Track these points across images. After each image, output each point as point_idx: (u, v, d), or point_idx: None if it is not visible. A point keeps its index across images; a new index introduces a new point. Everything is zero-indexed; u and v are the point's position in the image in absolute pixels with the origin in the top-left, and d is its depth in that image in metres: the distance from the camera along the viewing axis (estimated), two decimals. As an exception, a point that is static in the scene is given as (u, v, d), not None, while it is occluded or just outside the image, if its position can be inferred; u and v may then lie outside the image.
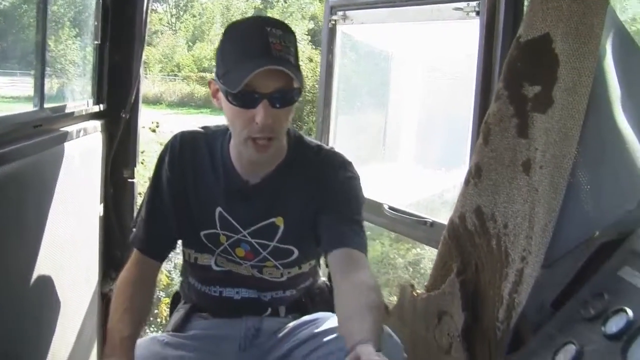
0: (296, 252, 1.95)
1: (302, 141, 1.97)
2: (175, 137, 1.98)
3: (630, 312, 1.51)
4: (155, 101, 23.86)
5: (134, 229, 2.03)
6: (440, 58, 3.15)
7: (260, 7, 33.20)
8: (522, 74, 1.88)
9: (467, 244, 2.08)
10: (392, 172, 3.66)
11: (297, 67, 1.76)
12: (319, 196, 1.90)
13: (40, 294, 2.08)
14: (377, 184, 3.18)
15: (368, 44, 3.64)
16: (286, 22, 1.92)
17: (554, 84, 1.78)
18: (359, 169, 2.00)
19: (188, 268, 2.08)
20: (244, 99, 1.73)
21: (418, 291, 2.30)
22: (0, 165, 1.79)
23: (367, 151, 3.86)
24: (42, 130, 2.20)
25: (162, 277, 6.05)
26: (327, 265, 1.96)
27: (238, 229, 1.92)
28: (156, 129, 8.21)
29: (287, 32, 1.76)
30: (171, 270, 6.52)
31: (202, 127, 2.01)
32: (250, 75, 1.67)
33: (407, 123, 3.57)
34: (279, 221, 1.91)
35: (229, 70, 1.74)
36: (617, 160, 1.73)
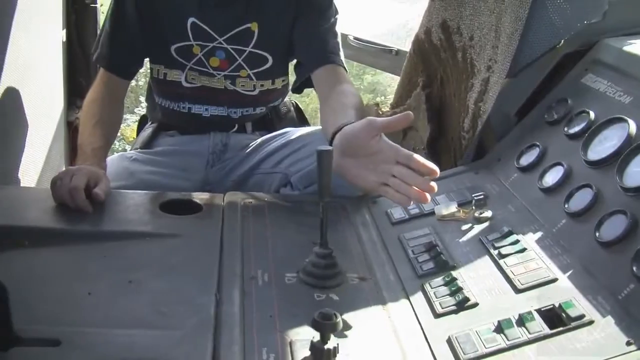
0: (270, 60, 1.95)
1: None
2: None
3: (592, 113, 1.55)
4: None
5: (98, 49, 2.00)
6: None
7: None
8: None
9: (433, 58, 2.08)
10: (357, 6, 3.62)
11: None
12: (297, 4, 1.91)
13: (4, 118, 2.05)
14: (343, 17, 3.15)
15: None
16: None
17: None
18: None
19: (156, 86, 2.06)
20: None
21: (383, 109, 2.32)
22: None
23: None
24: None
25: (128, 131, 5.99)
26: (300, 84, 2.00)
27: (213, 37, 1.90)
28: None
29: None
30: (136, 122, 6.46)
31: None
32: None
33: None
34: (254, 26, 1.91)
35: None
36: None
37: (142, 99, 5.61)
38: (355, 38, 2.98)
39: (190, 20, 1.89)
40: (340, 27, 2.93)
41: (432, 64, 2.09)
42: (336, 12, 1.97)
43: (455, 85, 1.96)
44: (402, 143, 2.15)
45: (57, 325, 1.13)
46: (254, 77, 1.97)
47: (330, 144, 1.51)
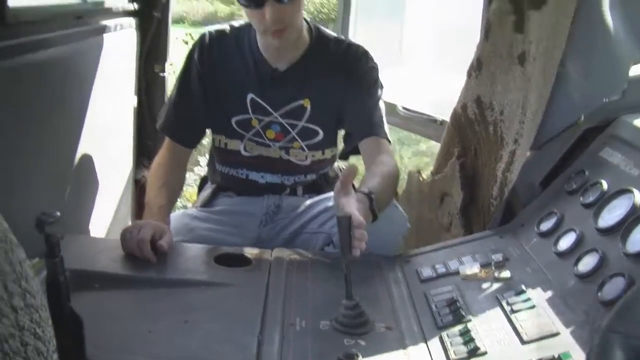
0: (321, 133, 2.15)
1: (321, 32, 2.15)
2: (203, 35, 2.16)
3: (605, 184, 1.71)
4: (178, 19, 23.49)
5: (162, 118, 2.21)
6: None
7: None
8: (520, -25, 2.02)
9: (468, 131, 2.27)
10: (408, 76, 3.81)
11: None
12: (346, 83, 2.10)
13: (80, 171, 2.30)
14: (393, 87, 3.35)
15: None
16: None
17: (548, -17, 1.93)
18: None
19: (217, 153, 2.27)
20: (252, 0, 1.92)
21: (424, 176, 2.50)
22: (47, 48, 1.98)
23: (384, 57, 4.00)
24: (83, 22, 2.39)
25: (189, 190, 6.25)
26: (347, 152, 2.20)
27: (269, 112, 2.11)
28: (190, 41, 8.30)
29: None
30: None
31: (228, 25, 2.18)
32: None
33: (423, 30, 3.69)
34: (306, 102, 2.11)
35: None
36: (603, 53, 1.89)
37: (201, 158, 5.91)
38: (404, 108, 3.17)
39: (250, 96, 2.11)
40: (390, 96, 3.12)
41: (468, 136, 2.28)
42: (381, 87, 2.16)
43: (487, 156, 2.13)
44: (438, 209, 2.32)
45: (123, 354, 1.34)
46: (306, 149, 2.17)
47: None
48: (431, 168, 2.67)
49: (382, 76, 2.17)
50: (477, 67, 2.19)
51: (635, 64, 1.94)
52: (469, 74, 2.23)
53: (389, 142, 2.10)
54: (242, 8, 1.97)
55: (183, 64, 2.19)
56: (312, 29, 2.14)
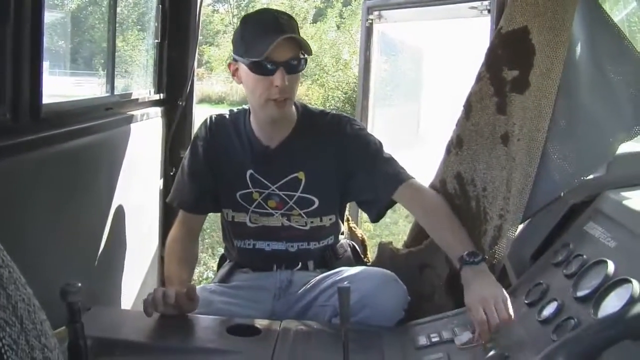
0: (317, 202, 2.35)
1: (307, 108, 2.40)
2: (205, 120, 2.42)
3: (585, 256, 1.84)
4: (219, 100, 24.19)
5: (173, 192, 2.45)
6: (464, 50, 3.44)
7: (321, 6, 33.81)
8: (502, 59, 2.19)
9: None
10: (426, 157, 3.97)
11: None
12: (341, 153, 2.31)
13: (109, 251, 2.49)
14: (411, 167, 3.50)
15: (401, 40, 3.99)
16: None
17: (530, 69, 2.09)
18: (395, 154, 2.36)
19: (227, 227, 2.47)
20: (265, 68, 2.13)
21: (397, 247, 2.62)
22: (79, 138, 2.21)
23: (402, 138, 4.19)
24: (112, 112, 2.63)
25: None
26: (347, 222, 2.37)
27: (268, 185, 2.32)
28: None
29: (292, 18, 2.21)
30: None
31: (228, 110, 2.44)
32: (273, 44, 2.06)
33: (438, 112, 3.87)
34: (301, 175, 2.33)
35: (250, 47, 2.13)
36: (582, 135, 2.05)
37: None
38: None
39: (249, 172, 2.32)
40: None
41: (446, 210, 2.41)
42: (380, 143, 2.37)
43: (470, 230, 2.22)
44: (418, 279, 2.43)
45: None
46: (304, 216, 2.36)
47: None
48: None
49: (401, 158, 2.34)
50: (457, 145, 2.32)
51: (621, 142, 2.07)
52: (448, 151, 2.36)
53: (414, 178, 2.30)
54: (248, 79, 2.18)
55: (191, 144, 2.43)
56: (299, 106, 2.37)
